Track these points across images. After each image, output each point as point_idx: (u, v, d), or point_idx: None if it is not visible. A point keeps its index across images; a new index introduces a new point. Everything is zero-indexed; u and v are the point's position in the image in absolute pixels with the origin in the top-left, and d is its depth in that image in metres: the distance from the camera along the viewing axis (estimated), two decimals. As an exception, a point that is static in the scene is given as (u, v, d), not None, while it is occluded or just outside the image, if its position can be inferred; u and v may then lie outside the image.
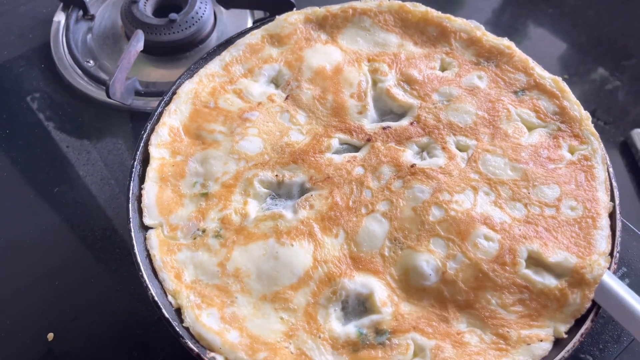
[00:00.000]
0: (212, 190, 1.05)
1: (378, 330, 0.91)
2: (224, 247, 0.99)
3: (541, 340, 0.89)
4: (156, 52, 1.52)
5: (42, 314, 1.12)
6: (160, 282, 0.95)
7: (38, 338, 1.08)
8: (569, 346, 0.87)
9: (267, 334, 0.90)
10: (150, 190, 1.04)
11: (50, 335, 1.09)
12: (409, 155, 1.08)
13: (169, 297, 0.93)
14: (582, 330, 0.89)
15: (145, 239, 0.99)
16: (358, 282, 0.95)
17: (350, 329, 0.91)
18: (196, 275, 0.96)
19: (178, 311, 0.93)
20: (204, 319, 0.91)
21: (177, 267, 0.97)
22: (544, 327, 0.90)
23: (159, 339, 1.08)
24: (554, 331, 0.90)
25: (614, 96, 1.65)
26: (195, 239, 1.00)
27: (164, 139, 1.10)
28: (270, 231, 1.00)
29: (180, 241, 1.00)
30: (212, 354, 0.87)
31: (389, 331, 0.90)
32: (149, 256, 0.98)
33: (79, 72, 1.52)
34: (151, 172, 1.06)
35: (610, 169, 1.05)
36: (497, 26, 1.79)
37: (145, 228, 1.01)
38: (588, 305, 0.91)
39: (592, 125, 1.09)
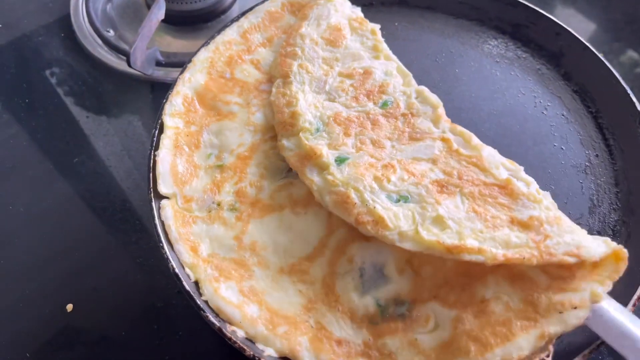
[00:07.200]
0: (227, 162, 1.02)
1: (397, 301, 0.88)
2: (239, 220, 0.96)
3: (575, 308, 0.79)
4: (177, 22, 1.49)
5: (61, 285, 1.11)
6: (176, 254, 0.93)
7: (57, 309, 1.07)
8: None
9: (287, 307, 0.88)
10: (165, 158, 1.01)
11: (70, 306, 1.08)
12: None
13: (187, 270, 0.92)
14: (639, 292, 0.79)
15: (159, 208, 0.97)
16: (373, 247, 0.91)
17: (368, 301, 0.88)
18: (212, 249, 0.95)
19: (196, 284, 0.91)
20: (223, 292, 0.88)
21: (192, 240, 0.95)
22: (579, 291, 0.80)
23: (180, 313, 1.06)
24: (590, 294, 0.79)
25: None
26: (210, 212, 0.98)
27: (178, 108, 1.07)
28: (285, 201, 0.97)
29: (195, 214, 0.98)
30: (233, 328, 0.85)
31: (408, 302, 0.87)
32: (164, 227, 0.95)
33: (99, 41, 1.50)
34: (166, 139, 1.03)
35: None
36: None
37: (159, 197, 0.98)
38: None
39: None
